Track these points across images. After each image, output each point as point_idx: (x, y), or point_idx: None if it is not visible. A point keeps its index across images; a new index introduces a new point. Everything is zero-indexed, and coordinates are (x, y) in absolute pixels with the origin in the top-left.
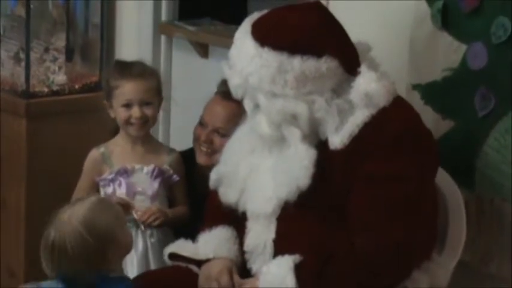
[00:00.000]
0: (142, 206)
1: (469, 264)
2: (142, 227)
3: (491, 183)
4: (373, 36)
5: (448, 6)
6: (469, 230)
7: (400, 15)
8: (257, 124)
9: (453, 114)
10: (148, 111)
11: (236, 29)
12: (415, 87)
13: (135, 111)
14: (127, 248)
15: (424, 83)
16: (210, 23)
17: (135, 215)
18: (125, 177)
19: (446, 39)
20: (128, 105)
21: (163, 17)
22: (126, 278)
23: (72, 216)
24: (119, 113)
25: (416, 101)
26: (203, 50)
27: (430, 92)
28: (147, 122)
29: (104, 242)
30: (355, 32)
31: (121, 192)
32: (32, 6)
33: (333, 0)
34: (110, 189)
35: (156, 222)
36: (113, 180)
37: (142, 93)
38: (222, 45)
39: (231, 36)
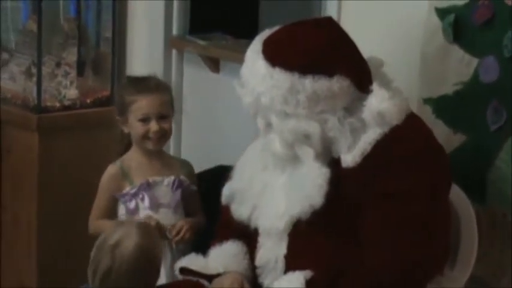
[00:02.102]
0: (165, 218)
1: (481, 279)
2: (174, 245)
3: (504, 197)
4: (384, 50)
5: (459, 19)
6: (481, 244)
7: (411, 29)
8: (270, 143)
9: (465, 128)
10: (165, 124)
11: (247, 43)
12: (427, 101)
13: (153, 126)
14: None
15: (436, 96)
16: (221, 37)
17: (168, 236)
18: (147, 190)
19: (457, 52)
20: (145, 120)
21: (174, 31)
22: None
23: (124, 238)
24: (136, 128)
25: (427, 115)
26: (214, 65)
27: (442, 106)
28: (164, 136)
29: (156, 264)
30: (366, 47)
31: (144, 206)
32: (43, 21)
33: (343, 14)
34: (132, 204)
35: (187, 236)
36: (135, 195)
37: (159, 107)
38: (232, 60)
39: (241, 50)
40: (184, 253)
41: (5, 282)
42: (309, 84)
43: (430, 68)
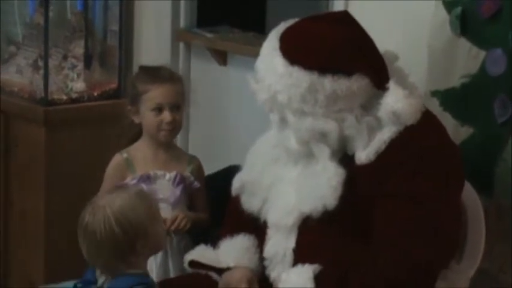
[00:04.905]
0: (163, 213)
1: (488, 272)
2: (172, 235)
3: (511, 190)
4: (391, 43)
5: (466, 12)
6: (488, 238)
7: (418, 22)
8: (285, 139)
9: (472, 121)
10: (178, 115)
11: (254, 36)
12: (434, 93)
13: (166, 116)
14: (157, 243)
15: (443, 89)
16: (228, 30)
17: (163, 226)
18: (147, 183)
19: (465, 45)
20: (158, 110)
21: (182, 24)
22: (145, 275)
23: (107, 204)
24: (148, 118)
25: (435, 107)
26: (221, 58)
27: (449, 98)
28: (176, 128)
29: (133, 234)
30: (374, 40)
31: None
32: (50, 14)
33: (351, 7)
34: None
35: (187, 227)
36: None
37: (172, 97)
38: (240, 53)
39: (249, 43)
40: (180, 250)
41: (13, 277)
42: (329, 83)
43: (438, 60)
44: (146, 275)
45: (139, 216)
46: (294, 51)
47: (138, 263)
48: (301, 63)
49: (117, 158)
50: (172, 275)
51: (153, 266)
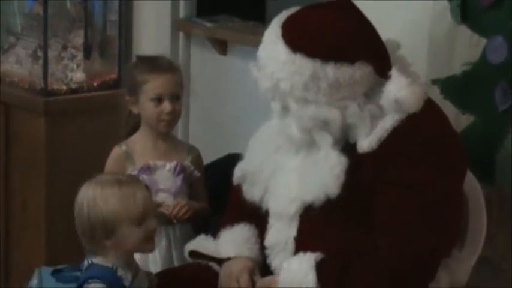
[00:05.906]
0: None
1: (490, 260)
2: (175, 221)
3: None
4: (392, 31)
5: (467, 0)
6: (489, 226)
7: (419, 10)
8: (287, 127)
9: (473, 109)
10: (177, 106)
11: (254, 25)
12: (435, 82)
13: (166, 106)
14: (128, 246)
15: (444, 77)
16: (228, 19)
17: (165, 211)
18: (147, 174)
19: (465, 33)
20: (157, 100)
21: (181, 13)
22: (109, 269)
23: (92, 184)
24: (148, 109)
25: (435, 96)
26: (221, 47)
27: (450, 86)
28: (175, 118)
29: (95, 226)
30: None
31: None
32: (49, 4)
33: None
34: None
35: (187, 215)
36: None
37: (172, 87)
38: (240, 42)
39: (249, 32)
40: (183, 240)
41: (14, 268)
42: (331, 71)
43: (438, 48)
44: (113, 269)
45: (113, 210)
46: (296, 38)
47: (107, 255)
48: (304, 50)
49: (116, 151)
50: (176, 264)
51: (157, 256)
